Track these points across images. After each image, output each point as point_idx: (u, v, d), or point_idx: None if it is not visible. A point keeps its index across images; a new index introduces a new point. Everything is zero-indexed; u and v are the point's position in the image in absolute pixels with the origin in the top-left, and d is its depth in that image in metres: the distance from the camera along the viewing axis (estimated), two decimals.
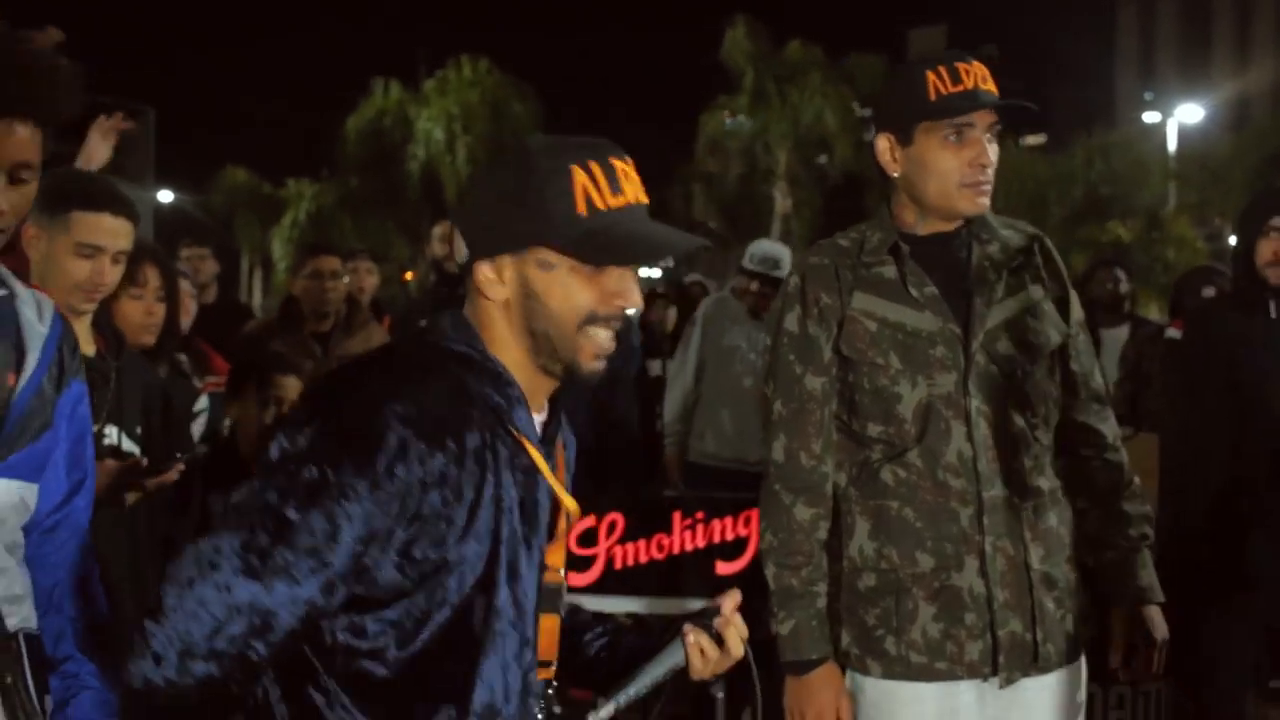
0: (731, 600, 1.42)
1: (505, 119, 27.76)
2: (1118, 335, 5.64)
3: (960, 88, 1.95)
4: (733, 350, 4.89)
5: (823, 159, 29.15)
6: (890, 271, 2.03)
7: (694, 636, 1.41)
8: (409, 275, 24.70)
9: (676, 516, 3.41)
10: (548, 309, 1.33)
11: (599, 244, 1.30)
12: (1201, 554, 2.91)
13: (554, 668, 1.43)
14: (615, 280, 1.33)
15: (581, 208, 1.29)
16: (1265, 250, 2.97)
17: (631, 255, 1.33)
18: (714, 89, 29.56)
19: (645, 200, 1.36)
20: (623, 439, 4.49)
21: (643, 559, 3.41)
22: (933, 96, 1.96)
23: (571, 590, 3.34)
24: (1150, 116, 29.74)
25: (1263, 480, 2.86)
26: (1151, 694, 2.93)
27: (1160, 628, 2.11)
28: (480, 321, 1.37)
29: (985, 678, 2.01)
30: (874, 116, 2.12)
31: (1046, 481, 2.05)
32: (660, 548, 3.40)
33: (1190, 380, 3.16)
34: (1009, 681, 2.01)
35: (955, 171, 1.97)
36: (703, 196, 31.73)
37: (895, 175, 2.05)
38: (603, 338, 1.34)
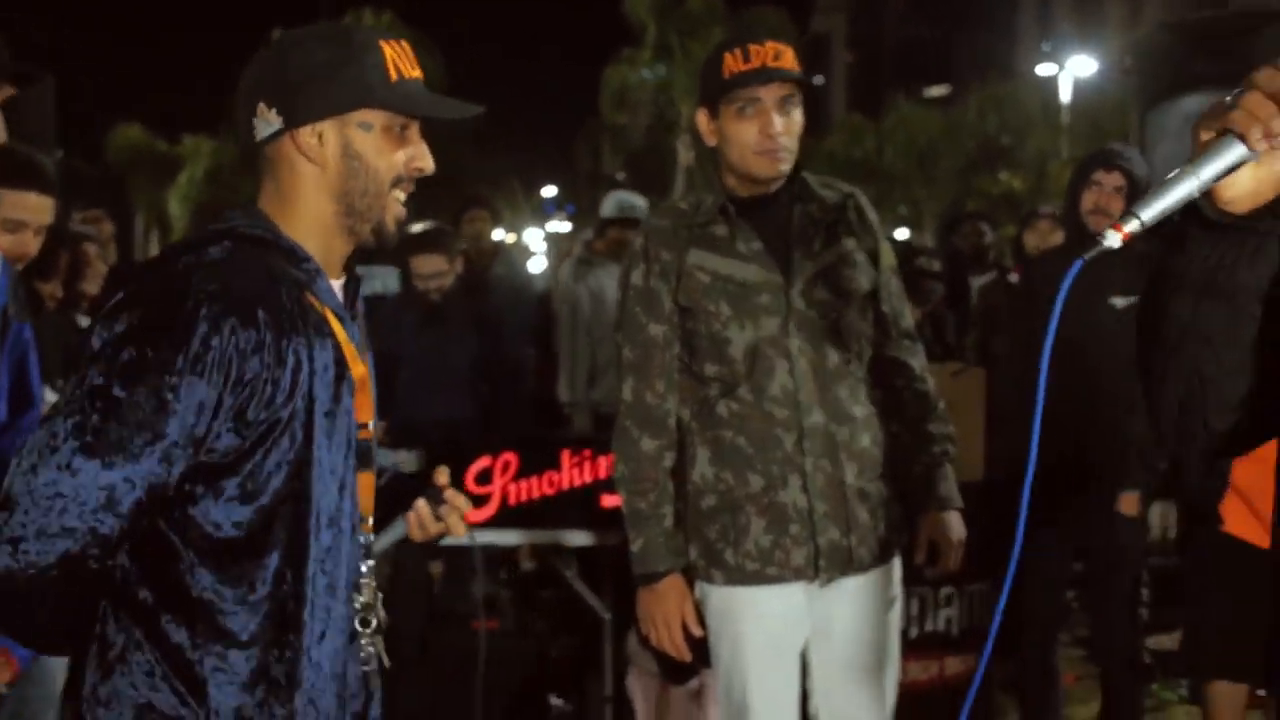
0: (443, 476, 1.65)
1: None
2: (983, 283, 6.12)
3: (749, 65, 2.20)
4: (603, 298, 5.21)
5: None
6: (721, 230, 2.32)
7: (416, 512, 1.63)
8: None
9: (565, 454, 3.66)
10: (368, 166, 1.46)
11: (413, 103, 1.48)
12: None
13: (371, 521, 1.55)
14: (415, 145, 1.49)
15: (393, 75, 1.46)
16: (1087, 200, 3.36)
17: (439, 109, 1.51)
18: (618, 42, 29.56)
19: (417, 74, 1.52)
20: (516, 384, 4.77)
21: (535, 495, 3.65)
22: (726, 75, 2.23)
23: (471, 526, 3.62)
24: (1047, 68, 30.46)
25: (1070, 416, 3.28)
26: (975, 593, 3.33)
27: (957, 530, 2.42)
28: (283, 195, 1.48)
29: (810, 579, 2.32)
30: (699, 94, 2.39)
31: (861, 409, 2.35)
32: (550, 484, 3.65)
33: (1016, 322, 3.57)
34: (829, 581, 2.32)
35: (750, 140, 2.24)
36: (609, 149, 31.83)
37: (712, 145, 2.34)
38: (401, 202, 1.50)
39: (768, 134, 2.24)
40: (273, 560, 1.41)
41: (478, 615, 4.36)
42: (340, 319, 1.48)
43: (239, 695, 1.39)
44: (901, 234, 22.55)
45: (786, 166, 2.30)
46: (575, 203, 40.99)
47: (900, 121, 28.44)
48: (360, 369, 1.50)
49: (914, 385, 2.45)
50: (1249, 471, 2.78)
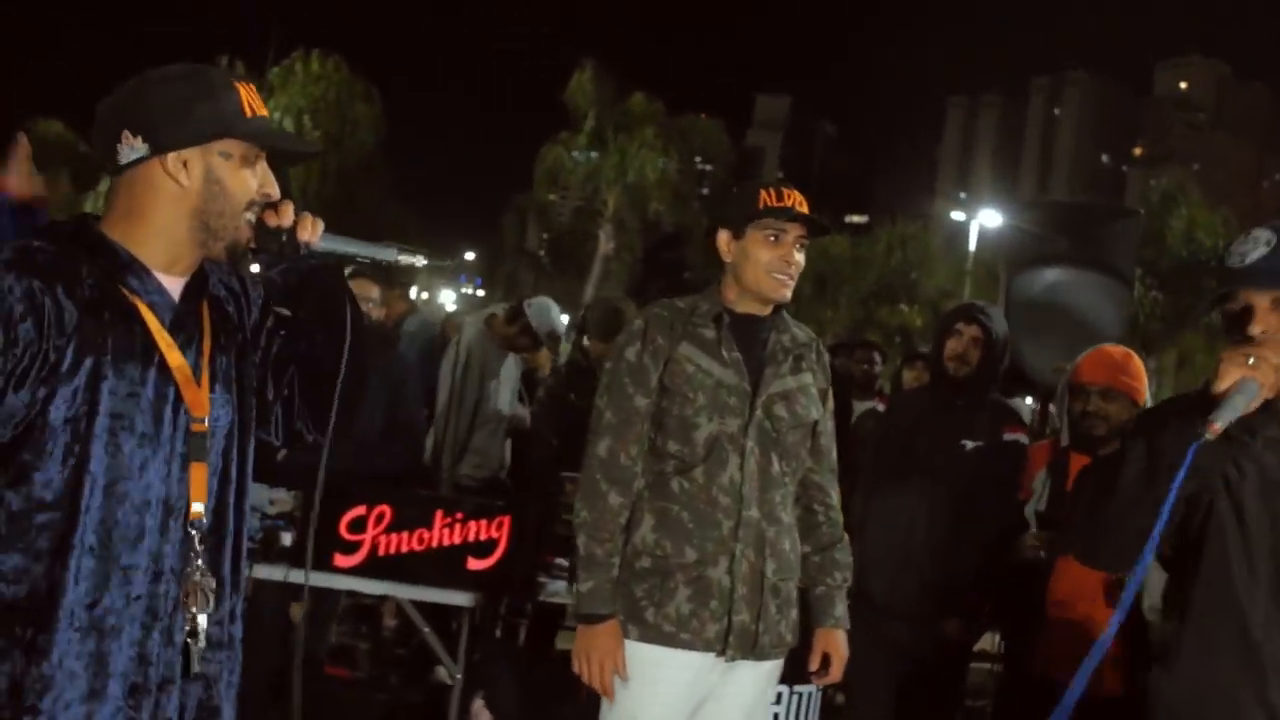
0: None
1: (348, 118, 27.55)
2: (865, 408, 6.45)
3: (783, 203, 2.58)
4: (504, 383, 5.36)
5: (657, 208, 30.14)
6: (710, 333, 2.63)
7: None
8: None
9: (439, 514, 3.79)
10: (226, 191, 1.65)
11: (266, 136, 1.70)
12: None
13: (202, 507, 1.65)
14: (265, 174, 1.69)
15: (248, 112, 1.66)
16: (949, 347, 3.70)
17: (286, 141, 1.74)
18: (556, 124, 30.13)
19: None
20: (406, 440, 4.85)
21: (404, 549, 3.76)
22: (761, 206, 2.59)
23: (339, 571, 3.70)
24: (959, 215, 31.77)
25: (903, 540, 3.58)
26: (806, 695, 3.53)
27: (844, 649, 2.72)
28: (135, 210, 1.65)
29: (717, 654, 2.54)
30: (716, 215, 2.74)
31: (787, 516, 2.65)
32: (421, 540, 3.78)
33: (878, 449, 3.87)
34: (731, 660, 2.55)
35: (769, 262, 2.59)
36: (535, 225, 32.19)
37: (728, 261, 2.66)
38: (250, 221, 1.67)
39: (787, 260, 2.60)
40: (44, 513, 1.55)
41: (332, 660, 4.42)
42: (155, 310, 1.63)
43: None
44: None
45: (788, 294, 2.64)
46: (491, 272, 41.09)
47: (811, 244, 29.46)
48: (176, 357, 1.63)
49: (829, 513, 2.76)
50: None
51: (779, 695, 3.37)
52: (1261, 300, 1.86)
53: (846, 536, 2.77)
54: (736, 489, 2.55)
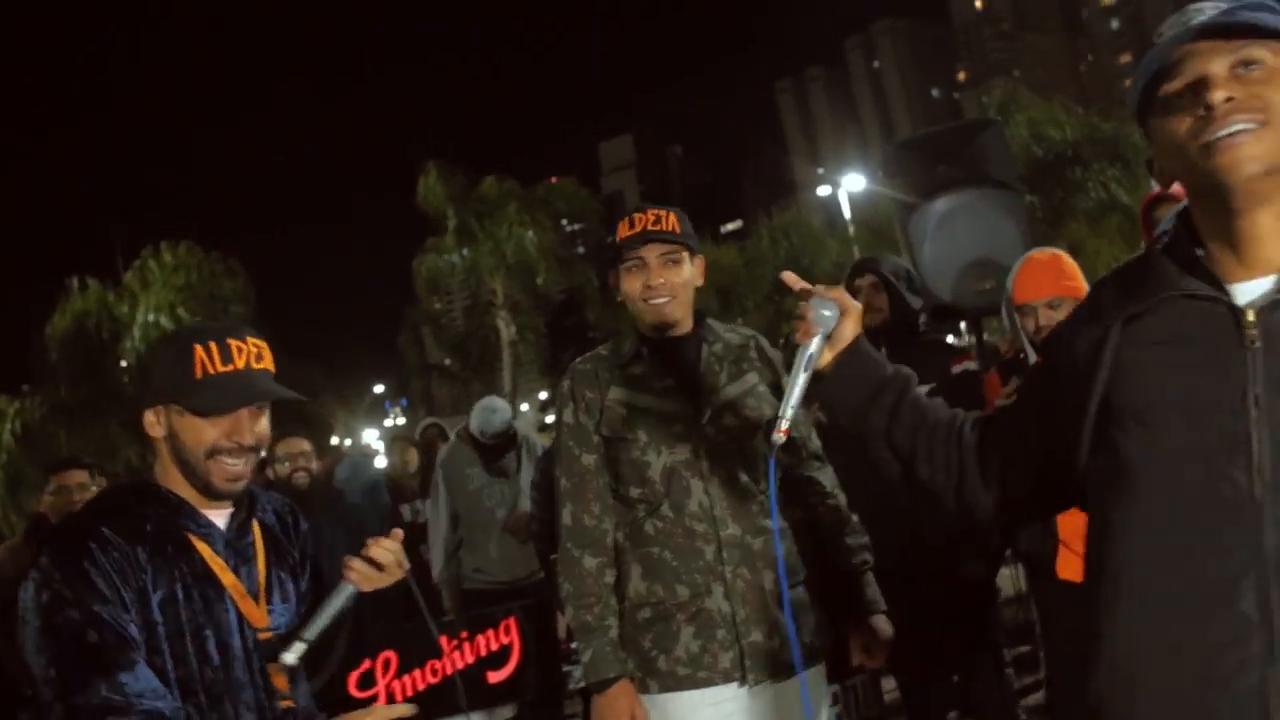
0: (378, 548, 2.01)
1: (217, 296, 27.14)
2: None
3: (633, 231, 2.52)
4: (478, 491, 5.33)
5: (539, 280, 30.18)
6: (638, 369, 2.57)
7: (354, 567, 1.96)
8: None
9: (444, 640, 3.69)
10: (184, 444, 1.88)
11: (204, 398, 1.85)
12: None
13: (291, 698, 1.93)
14: (230, 422, 1.87)
15: (198, 373, 1.85)
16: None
17: (219, 406, 1.86)
18: (422, 233, 30.07)
19: (260, 366, 1.90)
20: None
21: (420, 686, 3.62)
22: (619, 239, 2.53)
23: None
24: (824, 189, 32.41)
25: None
26: (858, 684, 3.48)
27: (885, 630, 2.62)
28: (158, 455, 1.92)
29: (739, 682, 2.45)
30: (604, 265, 2.67)
31: (773, 522, 2.48)
32: (435, 672, 3.64)
33: (830, 423, 3.86)
34: (757, 683, 2.45)
35: (639, 292, 2.54)
36: (432, 337, 31.96)
37: (620, 301, 2.61)
38: (228, 464, 1.88)
39: (648, 285, 2.54)
40: None
41: None
42: (209, 540, 1.89)
43: None
44: None
45: (671, 310, 2.56)
46: (407, 395, 40.65)
47: (708, 261, 29.88)
48: (229, 578, 1.89)
49: (827, 501, 2.69)
50: (1071, 523, 3.05)
51: (834, 695, 3.32)
52: (1218, 65, 1.39)
53: (855, 518, 2.69)
54: (708, 512, 2.49)
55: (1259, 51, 1.39)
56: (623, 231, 2.54)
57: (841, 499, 2.70)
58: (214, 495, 1.88)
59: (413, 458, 7.10)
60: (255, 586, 1.92)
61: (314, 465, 4.49)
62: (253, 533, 1.96)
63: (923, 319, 3.87)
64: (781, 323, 27.75)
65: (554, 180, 31.03)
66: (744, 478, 2.53)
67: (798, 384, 1.73)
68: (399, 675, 3.66)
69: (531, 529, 4.97)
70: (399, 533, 2.03)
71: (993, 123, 4.92)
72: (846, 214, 29.86)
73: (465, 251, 29.40)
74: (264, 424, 1.91)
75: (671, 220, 2.55)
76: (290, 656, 1.86)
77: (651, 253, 2.54)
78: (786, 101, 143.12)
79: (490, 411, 5.33)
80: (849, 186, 30.10)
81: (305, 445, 4.45)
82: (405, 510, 6.40)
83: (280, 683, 1.91)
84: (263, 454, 1.97)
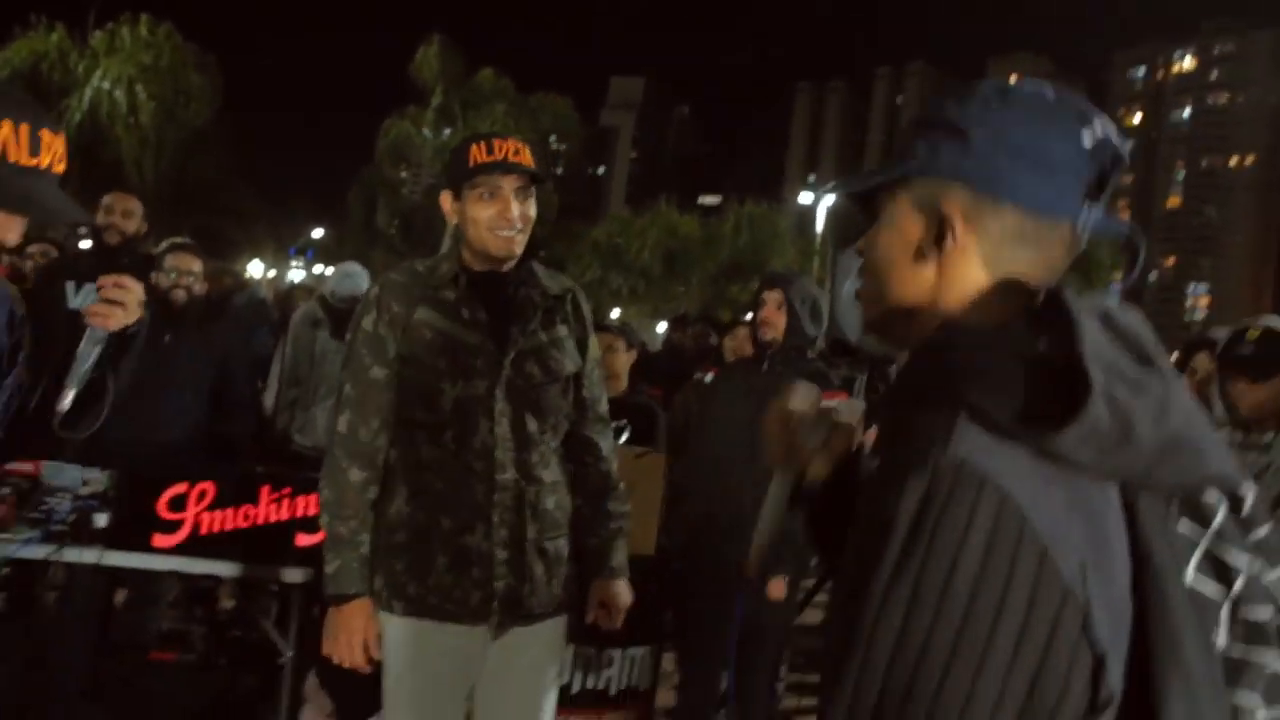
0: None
1: (181, 88, 26.35)
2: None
3: (493, 157, 2.46)
4: (321, 355, 5.29)
5: None
6: (450, 295, 2.51)
7: (94, 311, 2.00)
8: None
9: (265, 490, 3.67)
10: None
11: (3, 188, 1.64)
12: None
13: None
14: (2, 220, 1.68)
15: (12, 158, 1.62)
16: (759, 316, 3.79)
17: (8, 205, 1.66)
18: (403, 99, 29.45)
19: (61, 170, 1.70)
20: (240, 419, 4.72)
21: (229, 526, 3.63)
22: (472, 164, 2.47)
23: (158, 551, 3.56)
24: (806, 198, 32.52)
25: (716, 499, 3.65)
26: (635, 656, 3.58)
27: (625, 596, 2.63)
28: None
29: (485, 623, 2.47)
30: (445, 177, 2.62)
31: (550, 474, 2.55)
32: (246, 517, 3.65)
33: (703, 412, 3.95)
34: (501, 626, 2.48)
35: (489, 220, 2.48)
36: (385, 201, 31.48)
37: (454, 223, 2.57)
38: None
39: (505, 217, 2.47)
40: None
41: (157, 646, 4.24)
42: None
43: None
44: (661, 327, 23.61)
45: (518, 248, 2.52)
46: (342, 250, 39.92)
47: (654, 222, 29.90)
48: None
49: (599, 464, 2.68)
50: None
51: (611, 658, 3.42)
52: None
53: (622, 485, 2.69)
54: (489, 452, 2.46)
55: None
56: (478, 156, 2.47)
57: (613, 465, 2.69)
58: None
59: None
60: None
61: (198, 287, 4.42)
62: None
63: (818, 347, 3.95)
64: (720, 305, 27.93)
65: (556, 94, 30.55)
66: (532, 426, 2.51)
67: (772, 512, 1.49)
68: (211, 509, 3.66)
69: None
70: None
71: None
72: (819, 228, 30.08)
73: (447, 131, 28.90)
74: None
75: (527, 154, 2.51)
76: (65, 404, 1.91)
77: (510, 183, 2.49)
78: (802, 102, 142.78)
79: (345, 275, 5.27)
80: (830, 202, 30.23)
81: (195, 265, 4.38)
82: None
83: None
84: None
